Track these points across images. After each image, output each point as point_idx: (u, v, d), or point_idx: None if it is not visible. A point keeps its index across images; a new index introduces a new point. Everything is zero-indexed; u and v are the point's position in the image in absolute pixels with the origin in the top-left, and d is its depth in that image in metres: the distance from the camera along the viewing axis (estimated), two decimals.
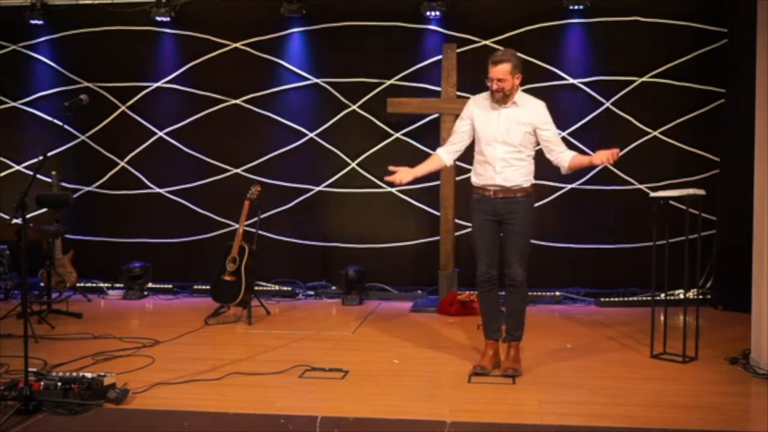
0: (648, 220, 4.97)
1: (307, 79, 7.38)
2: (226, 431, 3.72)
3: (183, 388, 4.25)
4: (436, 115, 6.84)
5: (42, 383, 3.92)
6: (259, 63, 7.40)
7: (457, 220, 6.75)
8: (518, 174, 4.47)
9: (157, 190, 7.61)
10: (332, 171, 7.37)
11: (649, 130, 6.97)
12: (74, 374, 4.07)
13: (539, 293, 6.84)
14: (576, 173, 6.76)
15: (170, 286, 7.41)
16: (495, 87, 4.40)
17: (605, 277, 6.99)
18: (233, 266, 6.04)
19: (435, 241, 7.00)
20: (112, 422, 3.75)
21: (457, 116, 4.76)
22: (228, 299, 6.04)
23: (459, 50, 6.77)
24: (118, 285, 7.41)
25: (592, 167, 6.87)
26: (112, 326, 5.84)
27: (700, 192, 4.87)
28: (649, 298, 6.40)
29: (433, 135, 6.76)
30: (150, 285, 7.35)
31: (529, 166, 4.54)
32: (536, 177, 4.61)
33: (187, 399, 4.05)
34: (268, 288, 7.25)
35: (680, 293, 5.89)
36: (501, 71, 4.38)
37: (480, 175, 4.56)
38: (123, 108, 7.60)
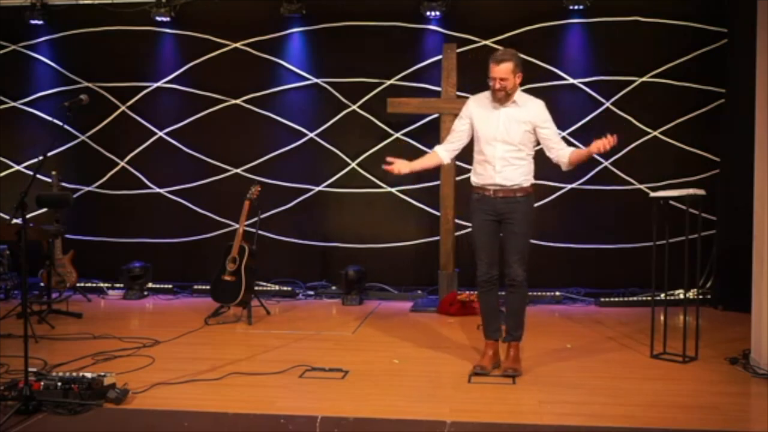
0: (648, 220, 4.97)
1: (307, 79, 7.38)
2: (226, 431, 3.72)
3: (183, 388, 4.26)
4: (436, 115, 6.84)
5: (42, 383, 3.92)
6: (259, 63, 7.40)
7: (457, 220, 6.75)
8: (518, 173, 4.47)
9: (157, 190, 7.61)
10: (332, 171, 7.37)
11: (649, 130, 6.97)
12: (74, 374, 4.07)
13: (539, 293, 6.84)
14: (576, 173, 6.86)
15: (170, 286, 7.41)
16: (497, 86, 4.40)
17: (605, 277, 6.99)
18: (233, 266, 6.04)
19: (435, 241, 7.00)
20: (112, 422, 3.75)
21: (457, 116, 4.76)
22: (228, 299, 6.04)
23: (459, 50, 6.77)
24: (118, 285, 7.41)
25: (592, 163, 6.93)
26: (112, 326, 5.84)
27: (700, 192, 4.88)
28: (649, 298, 6.40)
29: (433, 135, 6.76)
30: (150, 285, 7.35)
31: (529, 166, 4.54)
32: (536, 177, 4.61)
33: (187, 399, 4.05)
34: (268, 288, 7.25)
35: (680, 293, 5.89)
36: (503, 70, 4.38)
37: (480, 175, 4.56)
38: (123, 108, 7.60)
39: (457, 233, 6.79)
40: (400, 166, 4.58)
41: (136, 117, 7.59)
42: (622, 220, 6.98)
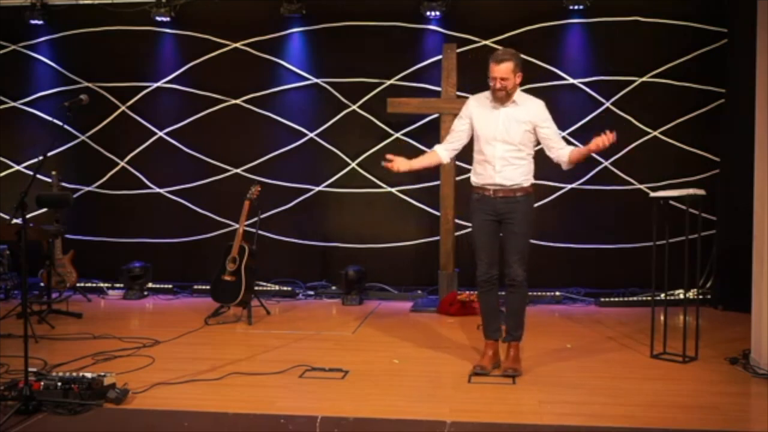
0: (648, 220, 4.97)
1: (307, 79, 7.38)
2: (226, 431, 3.72)
3: (183, 388, 4.26)
4: (436, 115, 6.84)
5: (42, 383, 3.92)
6: (259, 63, 7.40)
7: (457, 220, 6.75)
8: (518, 173, 4.47)
9: (157, 190, 7.61)
10: (332, 171, 7.37)
11: (649, 130, 6.97)
12: (74, 374, 4.07)
13: (539, 293, 6.84)
14: (576, 173, 6.87)
15: (170, 286, 7.41)
16: (498, 86, 4.40)
17: (605, 277, 6.99)
18: (233, 266, 6.04)
19: (435, 241, 7.00)
20: (112, 422, 3.75)
21: (457, 116, 4.76)
22: (228, 299, 6.04)
23: (459, 50, 6.77)
24: (118, 285, 7.41)
25: (592, 163, 6.93)
26: (112, 326, 5.84)
27: (700, 192, 4.88)
28: (649, 298, 6.40)
29: (433, 135, 6.75)
30: (150, 285, 7.35)
31: (529, 165, 4.54)
32: (536, 177, 4.61)
33: (187, 399, 4.05)
34: (268, 288, 7.25)
35: (680, 293, 5.89)
36: (504, 70, 4.38)
37: (479, 175, 4.56)
38: (123, 108, 7.60)
39: (457, 233, 6.79)
40: (400, 164, 4.58)
41: (136, 117, 7.59)
42: (622, 220, 6.98)
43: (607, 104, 7.00)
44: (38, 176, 4.09)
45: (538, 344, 5.19)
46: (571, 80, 7.04)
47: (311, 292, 7.30)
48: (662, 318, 5.35)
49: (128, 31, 7.49)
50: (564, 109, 6.81)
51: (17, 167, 7.75)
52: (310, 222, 7.43)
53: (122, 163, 7.63)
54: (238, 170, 7.46)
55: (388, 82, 7.23)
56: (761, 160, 4.65)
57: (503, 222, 4.50)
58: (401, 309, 6.68)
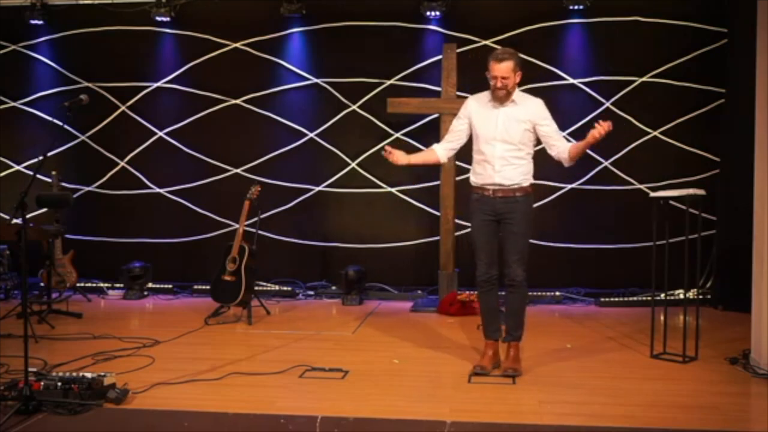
0: (648, 220, 4.96)
1: (307, 79, 7.38)
2: (226, 431, 3.72)
3: (183, 388, 4.25)
4: (436, 115, 6.84)
5: (42, 383, 3.92)
6: (259, 63, 7.40)
7: (457, 220, 6.75)
8: (517, 173, 4.47)
9: (157, 190, 7.61)
10: (332, 171, 7.37)
11: (649, 130, 6.97)
12: (74, 374, 4.07)
13: (539, 293, 6.84)
14: (576, 173, 6.87)
15: (170, 286, 7.41)
16: (499, 84, 4.40)
17: (605, 277, 6.99)
18: (233, 266, 6.04)
19: (435, 241, 7.00)
20: (112, 422, 3.75)
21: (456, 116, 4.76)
22: (228, 299, 6.04)
23: (459, 50, 6.77)
24: (118, 285, 7.41)
25: (592, 163, 6.93)
26: (112, 326, 5.84)
27: (700, 192, 4.87)
28: (649, 298, 6.40)
29: (433, 135, 6.74)
30: (150, 285, 7.35)
31: (528, 165, 4.53)
32: (536, 177, 4.61)
33: (187, 399, 4.05)
34: (268, 288, 7.25)
35: (680, 293, 5.89)
36: (504, 69, 4.38)
37: (479, 175, 4.55)
38: (123, 108, 7.60)
39: (457, 233, 6.78)
40: (398, 156, 4.58)
41: (136, 117, 7.59)
42: (622, 220, 6.98)
43: (607, 104, 7.00)
44: (38, 176, 4.09)
45: (538, 344, 5.19)
46: (571, 80, 7.04)
47: (311, 292, 7.30)
48: (662, 318, 5.35)
49: (128, 31, 7.49)
50: (564, 109, 6.81)
51: (17, 167, 7.75)
52: (310, 222, 7.43)
53: (122, 163, 7.63)
54: (238, 170, 7.46)
55: (388, 82, 7.23)
56: (761, 160, 4.65)
57: (502, 222, 4.50)
58: (401, 309, 6.68)
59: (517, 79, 4.45)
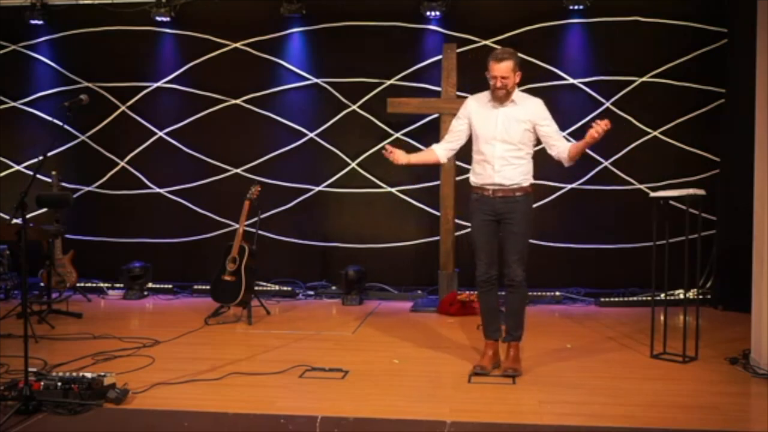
0: (648, 220, 4.96)
1: (307, 79, 7.38)
2: (226, 431, 3.72)
3: (183, 388, 4.25)
4: (436, 115, 6.84)
5: (42, 383, 3.92)
6: (259, 63, 7.40)
7: (457, 220, 6.75)
8: (517, 172, 4.47)
9: (157, 190, 7.61)
10: (332, 171, 7.37)
11: (649, 130, 6.97)
12: (74, 374, 4.06)
13: (539, 293, 6.84)
14: (576, 173, 6.87)
15: (170, 286, 7.41)
16: (499, 84, 4.40)
17: (605, 277, 6.99)
18: (233, 266, 6.04)
19: (435, 241, 7.00)
20: (112, 422, 3.75)
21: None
22: (228, 299, 6.04)
23: (459, 50, 6.77)
24: (118, 285, 7.41)
25: (592, 162, 6.93)
26: (112, 326, 5.84)
27: (700, 192, 4.87)
28: (649, 298, 6.40)
29: (433, 135, 6.74)
30: (150, 285, 7.35)
31: (528, 165, 4.53)
32: (536, 177, 4.61)
33: (187, 399, 4.05)
34: (268, 288, 7.25)
35: (680, 293, 5.89)
36: (504, 68, 4.38)
37: (479, 175, 4.55)
38: (123, 108, 7.60)
39: (457, 233, 6.78)
40: (399, 155, 4.57)
41: (136, 117, 7.59)
42: (622, 220, 6.98)
43: (607, 104, 7.00)
44: (38, 176, 4.09)
45: (538, 344, 5.19)
46: (571, 80, 7.04)
47: (311, 292, 7.30)
48: (662, 318, 5.35)
49: (128, 31, 7.49)
50: (564, 109, 6.80)
51: (17, 167, 7.75)
52: (310, 222, 7.43)
53: (122, 163, 7.63)
54: (238, 170, 7.46)
55: (388, 82, 7.23)
56: (761, 160, 4.65)
57: (502, 222, 4.50)
58: (401, 309, 6.68)
59: (517, 79, 4.45)
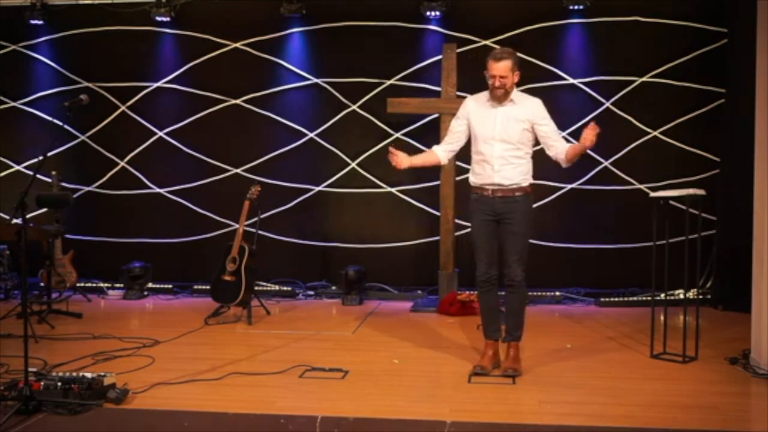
0: (648, 220, 4.96)
1: (307, 79, 7.38)
2: (226, 431, 3.72)
3: (183, 388, 4.25)
4: (436, 115, 6.84)
5: (42, 383, 3.92)
6: (259, 63, 7.40)
7: (457, 220, 6.75)
8: (517, 172, 4.47)
9: (157, 190, 7.61)
10: (332, 171, 7.37)
11: (649, 130, 6.97)
12: (74, 374, 4.07)
13: (539, 293, 6.84)
14: (576, 173, 6.87)
15: (170, 286, 7.41)
16: (497, 84, 4.40)
17: (605, 277, 6.99)
18: (233, 266, 6.04)
19: (435, 241, 7.00)
20: (112, 422, 3.75)
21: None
22: (228, 299, 6.04)
23: (459, 50, 6.77)
24: (118, 285, 7.41)
25: (592, 162, 6.93)
26: (112, 326, 5.84)
27: (700, 192, 4.87)
28: (649, 298, 6.40)
29: (433, 135, 6.75)
30: (150, 285, 7.35)
31: (528, 165, 4.53)
32: (536, 177, 4.61)
33: (187, 399, 4.05)
34: (268, 288, 7.25)
35: (680, 293, 5.89)
36: (503, 67, 4.38)
37: (478, 175, 4.55)
38: (123, 108, 7.60)
39: (457, 233, 6.78)
40: (401, 159, 4.56)
41: (136, 117, 7.59)
42: (622, 220, 6.98)
43: (607, 104, 7.00)
44: (38, 176, 4.09)
45: (538, 344, 5.19)
46: (571, 80, 7.04)
47: (311, 292, 7.30)
48: (662, 318, 5.35)
49: (128, 31, 7.49)
50: (564, 109, 6.81)
51: (17, 167, 7.75)
52: (310, 222, 7.43)
53: (122, 163, 7.63)
54: (238, 170, 7.46)
55: (388, 82, 7.23)
56: (761, 160, 4.65)
57: (502, 222, 4.50)
58: (401, 309, 6.68)
59: (516, 79, 4.45)
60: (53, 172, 6.96)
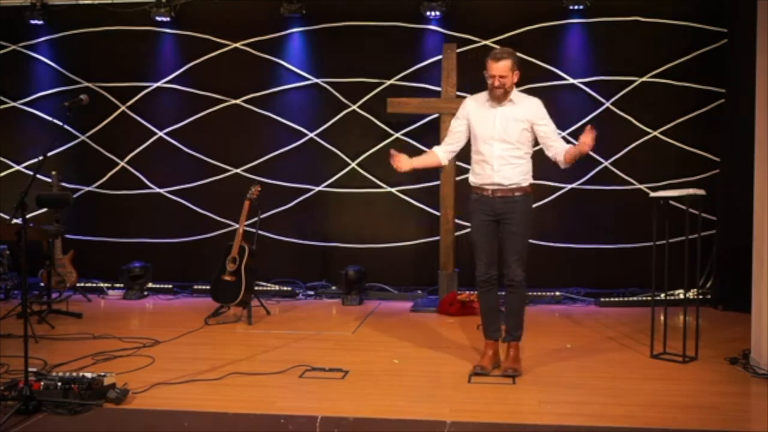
0: (648, 220, 4.96)
1: (307, 79, 7.38)
2: (226, 431, 3.72)
3: (183, 388, 4.25)
4: (436, 115, 6.84)
5: (42, 383, 3.92)
6: (259, 63, 7.40)
7: (457, 220, 6.75)
8: (516, 172, 4.47)
9: (157, 190, 7.61)
10: (332, 171, 7.37)
11: (649, 130, 6.97)
12: (74, 374, 4.07)
13: (539, 293, 6.84)
14: (576, 173, 6.87)
15: (170, 286, 7.41)
16: (497, 83, 4.40)
17: (605, 277, 6.99)
18: (233, 266, 6.04)
19: (435, 241, 7.00)
20: (112, 422, 3.75)
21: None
22: (228, 299, 6.04)
23: (459, 50, 6.77)
24: (118, 285, 7.41)
25: (592, 163, 6.94)
26: (112, 326, 5.84)
27: (700, 192, 4.87)
28: (649, 298, 6.40)
29: (433, 135, 6.75)
30: (150, 285, 7.35)
31: (527, 165, 4.53)
32: (536, 177, 4.61)
33: (187, 399, 4.05)
34: (268, 288, 7.25)
35: (680, 293, 5.89)
36: (502, 67, 4.38)
37: (478, 175, 4.55)
38: (123, 108, 7.60)
39: (457, 233, 6.78)
40: (402, 162, 4.56)
41: (136, 117, 7.59)
42: (622, 220, 6.98)
43: (607, 104, 7.00)
44: (38, 176, 4.09)
45: (538, 344, 5.19)
46: (571, 80, 7.04)
47: (311, 292, 7.30)
48: (662, 318, 5.35)
49: (128, 31, 7.49)
50: (564, 109, 6.82)
51: (17, 167, 7.75)
52: (310, 222, 7.43)
53: (122, 163, 7.63)
54: (238, 170, 7.46)
55: (388, 82, 7.23)
56: (761, 160, 4.65)
57: (502, 222, 4.50)
58: (401, 309, 6.68)
59: (515, 79, 4.46)
60: (53, 172, 6.96)
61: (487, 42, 7.03)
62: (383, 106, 6.84)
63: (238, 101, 7.45)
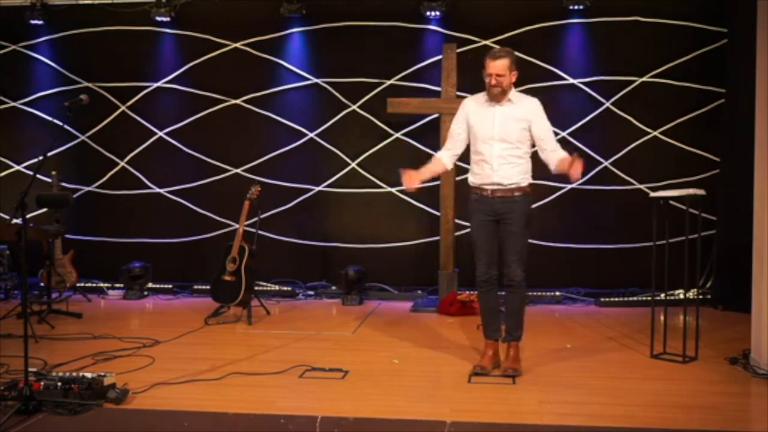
0: (648, 220, 4.96)
1: (307, 79, 7.38)
2: (226, 431, 3.72)
3: (183, 388, 4.25)
4: (436, 115, 6.84)
5: (42, 383, 3.92)
6: (259, 63, 7.40)
7: (457, 220, 6.75)
8: (516, 171, 4.47)
9: (157, 190, 7.61)
10: (332, 171, 7.37)
11: (649, 130, 6.97)
12: (74, 374, 4.06)
13: (539, 293, 6.84)
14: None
15: (170, 286, 7.41)
16: (494, 82, 4.41)
17: (605, 277, 6.99)
18: (233, 266, 6.04)
19: (435, 241, 7.00)
20: (112, 422, 3.75)
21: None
22: (228, 299, 6.04)
23: (459, 50, 6.77)
24: (118, 285, 7.41)
25: (592, 163, 6.94)
26: (112, 326, 5.84)
27: (700, 192, 4.87)
28: (649, 298, 6.40)
29: (433, 135, 6.76)
30: (150, 285, 7.35)
31: (527, 164, 4.53)
32: (536, 177, 4.61)
33: (187, 399, 4.05)
34: (268, 288, 7.25)
35: (680, 293, 5.89)
36: (500, 66, 4.39)
37: (477, 175, 4.55)
38: (123, 108, 7.60)
39: (457, 233, 6.78)
40: (412, 180, 4.50)
41: (136, 117, 7.59)
42: (622, 220, 6.98)
43: (607, 104, 7.00)
44: (38, 176, 4.09)
45: (538, 344, 5.19)
46: (571, 80, 7.04)
47: (311, 292, 7.30)
48: (662, 318, 5.35)
49: (128, 31, 7.49)
50: (564, 109, 6.82)
51: (17, 167, 7.75)
52: (310, 222, 7.43)
53: (122, 163, 7.63)
54: (238, 170, 7.46)
55: (388, 82, 7.23)
56: (761, 160, 4.65)
57: (501, 222, 4.50)
58: (401, 309, 6.68)
59: (513, 78, 4.46)
60: (53, 172, 6.96)
61: (487, 42, 7.03)
62: (383, 106, 6.84)
63: (238, 101, 7.45)
